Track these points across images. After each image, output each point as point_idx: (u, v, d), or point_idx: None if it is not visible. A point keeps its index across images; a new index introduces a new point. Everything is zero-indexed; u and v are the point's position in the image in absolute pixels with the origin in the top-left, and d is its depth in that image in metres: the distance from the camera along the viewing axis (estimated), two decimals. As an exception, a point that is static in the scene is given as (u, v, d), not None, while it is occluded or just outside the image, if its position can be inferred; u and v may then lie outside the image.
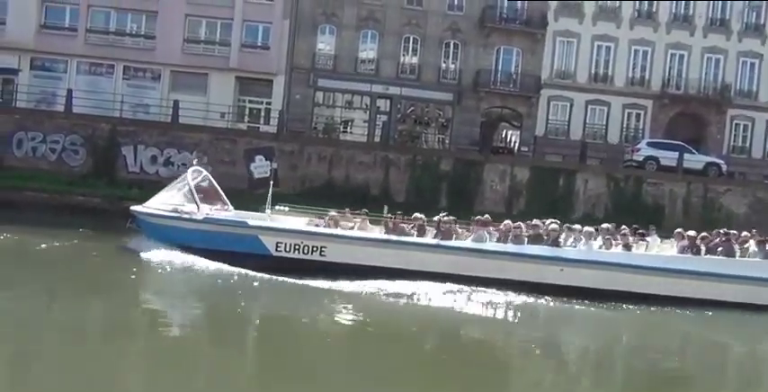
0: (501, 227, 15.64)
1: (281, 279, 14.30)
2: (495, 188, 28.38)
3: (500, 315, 13.80)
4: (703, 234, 16.10)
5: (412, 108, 34.72)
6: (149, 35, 32.58)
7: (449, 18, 33.66)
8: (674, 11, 34.60)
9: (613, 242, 15.60)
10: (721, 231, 16.63)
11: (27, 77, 32.02)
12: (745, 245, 15.99)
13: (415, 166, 28.39)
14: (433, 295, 13.97)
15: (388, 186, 27.92)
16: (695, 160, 29.21)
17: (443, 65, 33.81)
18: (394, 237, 15.32)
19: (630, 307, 14.61)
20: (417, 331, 12.45)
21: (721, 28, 34.80)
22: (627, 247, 15.47)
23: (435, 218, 15.92)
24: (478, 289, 14.42)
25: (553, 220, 16.39)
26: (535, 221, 16.16)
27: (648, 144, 30.49)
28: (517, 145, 34.69)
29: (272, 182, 16.13)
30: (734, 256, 15.42)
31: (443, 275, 14.50)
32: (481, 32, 33.64)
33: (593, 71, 34.54)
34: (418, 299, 13.82)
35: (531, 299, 14.30)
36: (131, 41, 32.72)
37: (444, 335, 12.52)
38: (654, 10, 34.47)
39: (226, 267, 14.76)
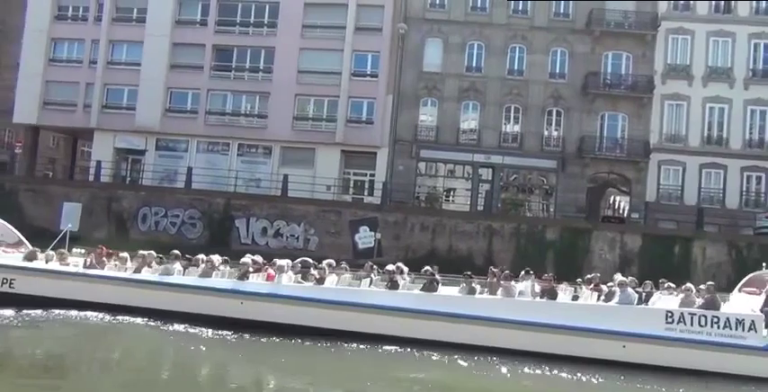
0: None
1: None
2: (604, 257, 27.42)
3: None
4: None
5: (515, 176, 34.54)
6: (262, 114, 34.66)
7: (551, 86, 33.74)
8: (791, 68, 33.10)
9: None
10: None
11: (152, 157, 34.76)
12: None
13: (519, 235, 28.02)
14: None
15: (492, 255, 27.57)
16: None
17: (546, 132, 33.68)
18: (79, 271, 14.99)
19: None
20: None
21: None
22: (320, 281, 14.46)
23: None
24: (162, 321, 13.94)
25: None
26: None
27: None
28: (627, 211, 33.50)
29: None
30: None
31: (130, 308, 14.21)
32: (585, 99, 33.39)
33: (705, 134, 33.22)
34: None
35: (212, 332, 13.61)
36: (245, 121, 34.92)
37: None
38: (770, 68, 33.12)
39: None
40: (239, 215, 28.69)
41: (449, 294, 14.43)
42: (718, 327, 13.13)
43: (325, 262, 15.19)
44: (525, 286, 14.27)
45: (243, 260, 15.15)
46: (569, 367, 12.62)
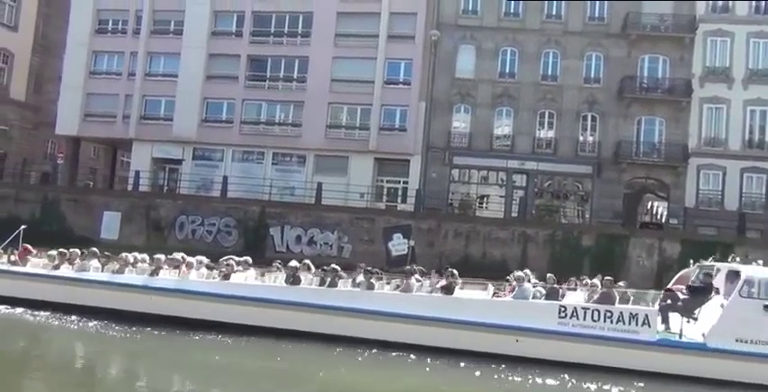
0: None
1: None
2: (642, 263, 26.94)
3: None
4: None
5: (549, 182, 34.19)
6: (296, 123, 34.99)
7: (585, 91, 33.37)
8: (835, 69, 32.15)
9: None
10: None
11: (189, 166, 35.36)
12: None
13: (554, 241, 27.71)
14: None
15: (527, 262, 27.22)
16: None
17: (581, 137, 33.29)
18: None
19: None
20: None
21: None
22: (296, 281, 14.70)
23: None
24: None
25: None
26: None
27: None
28: (665, 217, 32.88)
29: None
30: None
31: (48, 303, 14.78)
32: (620, 103, 32.93)
33: (746, 137, 32.47)
34: None
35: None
36: (279, 130, 35.29)
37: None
38: (812, 69, 32.25)
39: None
40: (274, 223, 28.94)
41: (347, 289, 14.55)
42: (612, 322, 13.09)
43: (240, 258, 15.67)
44: (431, 283, 14.52)
45: (156, 256, 15.72)
46: (465, 361, 12.72)
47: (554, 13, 33.89)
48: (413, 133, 33.49)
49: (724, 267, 14.67)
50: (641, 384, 12.25)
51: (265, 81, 35.55)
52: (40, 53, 42.67)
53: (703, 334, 13.04)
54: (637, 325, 13.05)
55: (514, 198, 32.72)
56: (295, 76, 35.30)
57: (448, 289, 14.11)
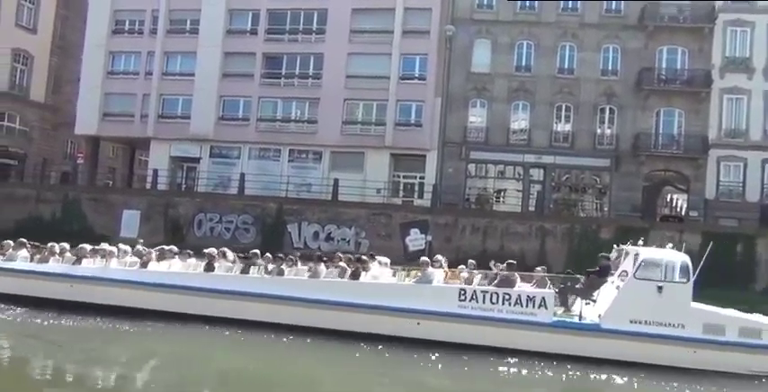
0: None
1: None
2: (662, 256, 26.60)
3: None
4: None
5: (566, 176, 33.93)
6: (312, 120, 35.05)
7: (603, 83, 33.07)
8: None
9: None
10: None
11: (207, 164, 35.58)
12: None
13: (572, 235, 27.52)
14: None
15: (545, 256, 27.11)
16: None
17: (599, 130, 33.01)
18: None
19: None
20: None
21: None
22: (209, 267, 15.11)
23: None
24: None
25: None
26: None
27: None
28: (685, 209, 32.52)
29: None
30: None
31: None
32: (638, 95, 32.60)
33: (767, 127, 32.00)
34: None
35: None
36: (295, 126, 35.35)
37: None
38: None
39: None
40: (291, 219, 29.03)
41: (257, 276, 14.88)
42: (510, 304, 13.35)
43: (161, 248, 16.19)
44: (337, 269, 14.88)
45: (80, 245, 16.16)
46: (368, 344, 13.05)
47: (570, 5, 33.60)
48: (429, 128, 33.42)
49: (632, 250, 14.84)
50: (541, 364, 12.53)
51: (281, 78, 35.63)
52: (58, 54, 43.12)
53: (599, 316, 13.25)
54: (534, 307, 13.28)
55: (532, 192, 32.55)
56: (310, 73, 35.35)
57: (355, 275, 14.54)
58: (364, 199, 30.11)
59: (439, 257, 15.03)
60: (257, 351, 12.99)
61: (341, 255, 16.18)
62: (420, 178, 33.56)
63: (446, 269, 14.89)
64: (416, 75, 34.16)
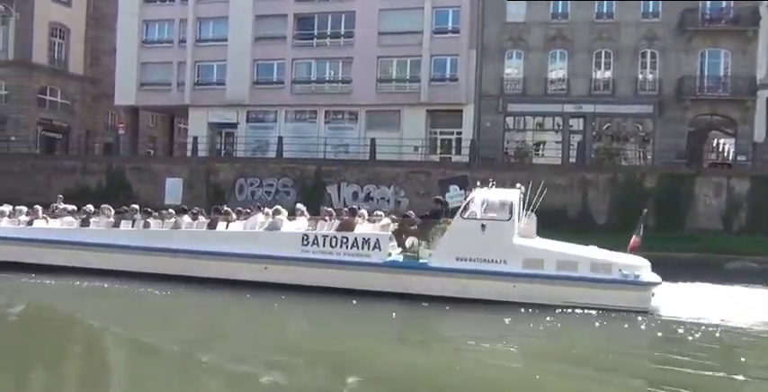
0: None
1: None
2: (708, 203, 26.07)
3: None
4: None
5: (608, 124, 33.09)
6: (346, 80, 34.82)
7: (644, 26, 31.86)
8: None
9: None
10: None
11: (244, 129, 35.83)
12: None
13: (615, 185, 27.04)
14: None
15: (587, 208, 26.82)
16: None
17: (640, 76, 31.95)
18: None
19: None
20: None
21: None
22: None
23: None
24: None
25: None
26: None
27: None
28: (732, 154, 31.52)
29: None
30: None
31: None
32: (681, 37, 31.34)
33: (820, 64, 30.53)
34: None
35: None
36: (330, 87, 35.20)
37: None
38: None
39: None
40: (330, 181, 29.19)
41: (125, 229, 15.87)
42: (348, 247, 13.96)
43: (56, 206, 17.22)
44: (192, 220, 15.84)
45: None
46: (225, 289, 13.71)
47: (607, -54, 32.21)
48: (464, 82, 32.88)
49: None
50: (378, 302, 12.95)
51: (313, 39, 35.36)
52: (93, 26, 43.53)
53: (430, 254, 13.73)
54: (369, 249, 13.85)
55: (572, 143, 31.91)
56: (342, 32, 34.96)
57: (211, 225, 15.46)
58: (402, 157, 30.01)
59: (299, 206, 15.66)
60: (121, 299, 13.77)
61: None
62: (457, 134, 33.21)
63: (307, 216, 15.48)
64: (450, 29, 33.47)
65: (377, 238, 13.95)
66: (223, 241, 14.86)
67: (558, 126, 32.89)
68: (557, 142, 32.63)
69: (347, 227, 14.29)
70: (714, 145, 34.69)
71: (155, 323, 12.00)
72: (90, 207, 16.62)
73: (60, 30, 41.80)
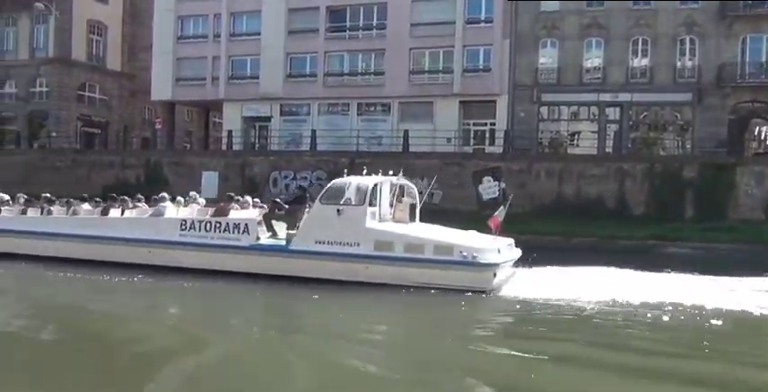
0: None
1: None
2: (750, 193, 25.39)
3: None
4: None
5: (645, 113, 32.44)
6: (378, 72, 34.77)
7: (682, 12, 31.10)
8: None
9: None
10: None
11: (278, 123, 36.06)
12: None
13: (653, 175, 26.51)
14: None
15: (624, 198, 26.38)
16: None
17: (678, 63, 31.21)
18: None
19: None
20: None
21: None
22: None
23: None
24: None
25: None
26: None
27: None
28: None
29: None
30: None
31: None
32: (722, 23, 30.52)
33: None
34: None
35: None
36: (362, 79, 35.18)
37: None
38: None
39: None
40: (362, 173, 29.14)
41: (31, 216, 17.19)
42: (220, 231, 14.94)
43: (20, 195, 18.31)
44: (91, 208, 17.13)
45: None
46: (117, 271, 14.57)
47: (643, -70, 31.49)
48: (498, 72, 32.56)
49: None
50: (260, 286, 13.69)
51: (345, 31, 35.36)
52: (130, 23, 44.26)
53: (293, 238, 14.58)
54: (239, 233, 14.82)
55: (608, 132, 31.39)
56: (374, 24, 34.88)
57: (104, 211, 16.60)
58: (435, 149, 29.89)
59: (164, 195, 16.79)
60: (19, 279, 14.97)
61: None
62: (491, 124, 32.91)
63: (183, 205, 16.66)
64: (482, 18, 33.13)
65: (246, 223, 14.91)
66: (112, 227, 16.13)
67: (594, 115, 32.37)
68: (592, 132, 32.12)
69: (221, 212, 15.45)
70: (756, 133, 33.77)
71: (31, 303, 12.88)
72: (4, 196, 18.16)
73: (98, 27, 42.59)
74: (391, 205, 15.62)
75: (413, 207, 15.67)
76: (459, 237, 14.26)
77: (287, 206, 15.55)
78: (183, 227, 15.29)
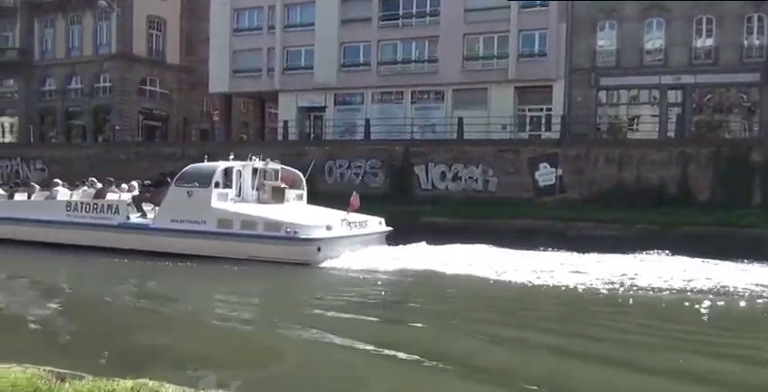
0: None
1: None
2: (825, 176, 24.18)
3: None
4: None
5: (709, 95, 31.23)
6: (432, 59, 34.53)
7: (749, -11, 29.76)
8: None
9: None
10: None
11: (332, 112, 36.28)
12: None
13: (719, 160, 25.47)
14: None
15: (688, 184, 25.48)
16: None
17: (746, 42, 29.86)
18: None
19: None
20: None
21: None
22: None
23: None
24: None
25: None
26: None
27: None
28: None
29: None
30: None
31: None
32: (792, -1, 29.10)
33: None
34: None
35: None
36: (416, 67, 35.01)
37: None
38: None
39: None
40: (418, 161, 29.03)
41: None
42: (98, 212, 17.56)
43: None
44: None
45: None
46: (18, 248, 17.22)
47: None
48: (554, 57, 31.88)
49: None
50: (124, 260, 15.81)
51: (399, 19, 35.22)
52: (187, 17, 45.15)
53: (155, 217, 16.98)
54: (112, 213, 17.35)
55: (670, 116, 30.38)
56: (428, 11, 34.61)
57: (10, 196, 19.60)
58: (490, 136, 29.47)
59: (57, 181, 19.66)
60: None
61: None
62: (547, 110, 32.29)
63: (70, 190, 19.19)
64: (538, 2, 32.46)
65: (117, 204, 17.41)
66: (14, 209, 18.93)
67: (655, 99, 31.36)
68: (653, 116, 31.15)
69: (100, 195, 18.03)
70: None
71: None
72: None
73: (157, 22, 43.61)
74: (257, 188, 17.89)
75: (279, 189, 18.06)
76: (295, 215, 16.15)
77: (153, 188, 17.77)
78: (69, 209, 17.85)
